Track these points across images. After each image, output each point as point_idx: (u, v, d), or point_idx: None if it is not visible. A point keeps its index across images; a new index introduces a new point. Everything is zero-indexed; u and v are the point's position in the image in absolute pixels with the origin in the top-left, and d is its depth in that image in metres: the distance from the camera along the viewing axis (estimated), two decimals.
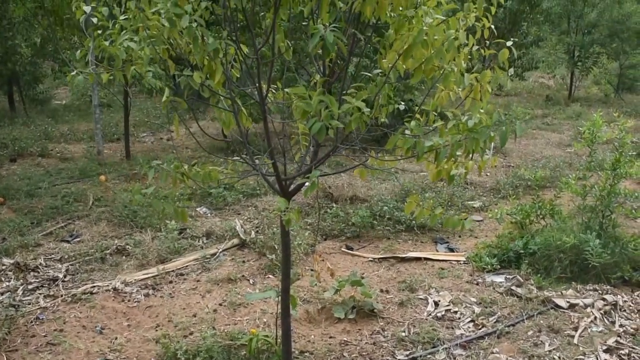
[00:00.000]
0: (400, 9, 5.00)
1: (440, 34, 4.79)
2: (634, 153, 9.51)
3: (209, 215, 11.60)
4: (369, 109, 4.91)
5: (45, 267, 9.19)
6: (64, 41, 17.77)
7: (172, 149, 16.58)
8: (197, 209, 11.74)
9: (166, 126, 19.79)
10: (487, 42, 5.70)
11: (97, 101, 16.10)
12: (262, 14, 6.15)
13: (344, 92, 5.49)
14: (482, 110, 5.22)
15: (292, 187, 6.08)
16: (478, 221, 11.42)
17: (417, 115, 5.59)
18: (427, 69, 4.91)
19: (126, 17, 5.56)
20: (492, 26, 5.37)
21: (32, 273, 8.93)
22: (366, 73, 5.58)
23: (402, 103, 6.15)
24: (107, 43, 5.60)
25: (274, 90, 6.17)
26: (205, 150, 6.44)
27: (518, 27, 21.56)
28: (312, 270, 8.99)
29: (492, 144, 5.18)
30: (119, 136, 18.71)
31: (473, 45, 5.30)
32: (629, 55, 27.79)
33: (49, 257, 9.55)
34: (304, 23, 5.56)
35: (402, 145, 5.18)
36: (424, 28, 4.76)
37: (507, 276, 8.75)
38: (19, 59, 18.66)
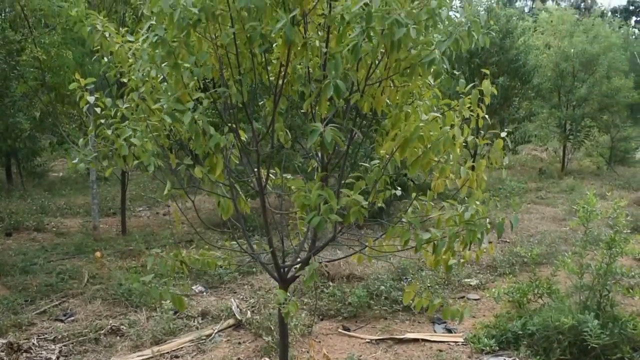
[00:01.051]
0: (397, 103, 5.15)
1: (436, 129, 4.91)
2: (629, 231, 9.55)
3: (204, 293, 11.53)
4: (367, 202, 4.99)
5: (39, 347, 9.07)
6: (64, 116, 18.01)
7: (169, 224, 16.59)
8: (193, 287, 11.67)
9: (162, 201, 19.85)
10: (482, 131, 5.82)
11: (94, 177, 16.20)
12: (262, 102, 6.30)
13: (343, 181, 5.59)
14: (478, 201, 5.30)
15: (290, 274, 6.10)
16: (475, 300, 11.37)
17: (415, 202, 5.67)
18: (424, 163, 5.01)
19: (128, 105, 5.71)
20: (487, 115, 5.52)
21: (24, 354, 8.80)
22: (364, 164, 5.68)
23: (399, 188, 6.25)
24: (109, 132, 5.73)
25: (272, 176, 6.27)
26: (200, 232, 6.47)
27: (510, 102, 22.00)
28: (308, 353, 8.89)
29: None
30: (115, 210, 18.74)
31: (468, 134, 5.42)
32: (620, 129, 28.27)
33: (43, 337, 9.43)
34: (301, 111, 5.70)
35: (400, 236, 5.24)
36: (420, 124, 4.88)
37: (506, 358, 8.66)
38: (19, 134, 18.86)
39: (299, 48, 5.01)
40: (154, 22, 4.95)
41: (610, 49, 27.17)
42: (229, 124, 5.45)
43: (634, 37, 47.03)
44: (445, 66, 4.52)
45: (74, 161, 6.03)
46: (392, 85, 5.01)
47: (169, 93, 5.11)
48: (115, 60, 5.68)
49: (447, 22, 4.60)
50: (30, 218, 16.93)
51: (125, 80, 5.76)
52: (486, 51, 19.99)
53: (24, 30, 17.08)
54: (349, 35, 4.67)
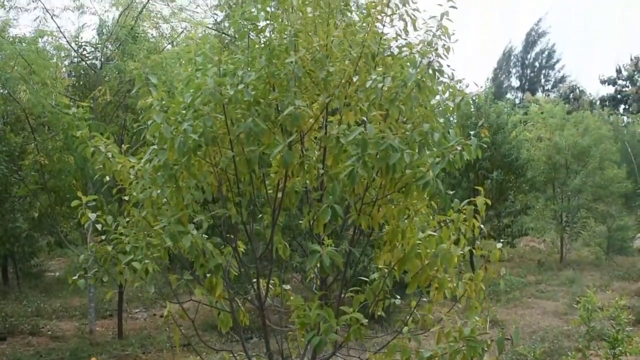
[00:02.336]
0: (393, 219, 5.25)
1: (432, 246, 4.99)
2: (631, 328, 9.48)
3: None
4: (367, 319, 5.01)
5: None
6: (63, 219, 18.09)
7: (166, 327, 16.37)
8: None
9: (160, 301, 19.66)
10: (478, 241, 5.90)
11: (92, 274, 16.07)
12: (260, 215, 6.39)
13: (342, 295, 5.62)
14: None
15: None
16: None
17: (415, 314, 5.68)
18: (422, 280, 5.06)
19: (129, 220, 5.80)
20: (482, 225, 5.61)
21: None
22: (363, 278, 5.72)
23: (398, 297, 6.26)
24: (110, 248, 5.79)
25: (272, 286, 6.29)
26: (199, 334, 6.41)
27: (505, 196, 22.22)
28: None
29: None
30: (112, 312, 18.51)
31: (464, 246, 5.50)
32: (616, 218, 28.39)
33: None
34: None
35: (401, 352, 5.23)
36: (418, 242, 4.97)
37: None
38: (18, 237, 18.89)
39: (296, 167, 5.16)
40: (155, 147, 5.11)
41: (601, 140, 27.67)
42: (229, 243, 5.53)
43: (623, 125, 48.01)
44: (439, 187, 4.64)
45: (74, 277, 6.08)
46: (388, 202, 5.13)
47: (170, 213, 5.21)
48: (117, 178, 5.82)
49: (440, 143, 4.76)
50: (25, 321, 16.70)
51: (126, 198, 5.87)
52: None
53: (25, 133, 17.43)
54: (345, 158, 4.82)
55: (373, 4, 5.45)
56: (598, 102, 56.22)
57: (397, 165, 4.44)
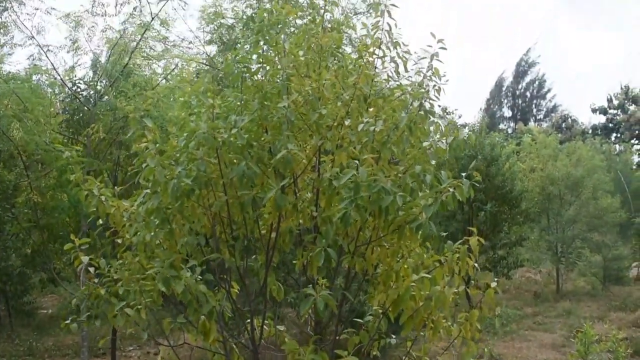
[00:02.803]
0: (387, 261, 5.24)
1: (426, 288, 4.98)
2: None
3: None
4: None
5: None
6: (56, 256, 17.97)
7: None
8: None
9: (154, 338, 19.44)
10: (473, 280, 5.89)
11: (85, 317, 15.92)
12: (254, 256, 6.37)
13: (337, 337, 5.58)
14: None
15: None
16: None
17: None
18: (417, 322, 5.03)
19: (121, 262, 5.77)
20: (477, 264, 5.60)
21: None
22: (357, 319, 5.69)
23: (393, 337, 6.22)
24: (102, 291, 5.75)
25: (266, 327, 6.24)
26: None
27: (500, 227, 22.20)
28: None
29: None
30: (105, 350, 18.28)
31: (459, 285, 5.49)
32: (611, 248, 28.37)
33: None
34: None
35: None
36: (412, 283, 4.95)
37: None
38: (10, 276, 18.76)
39: (289, 209, 5.16)
40: (149, 190, 5.11)
41: (594, 170, 27.79)
42: (222, 286, 5.50)
43: (616, 153, 48.28)
44: (432, 230, 4.64)
45: (66, 321, 6.03)
46: (381, 244, 5.12)
47: (163, 257, 5.19)
48: (110, 221, 5.80)
49: (434, 184, 4.78)
50: None
51: (119, 240, 5.86)
52: (472, 178, 20.38)
53: (18, 169, 17.39)
54: (338, 200, 4.82)
55: (365, 46, 5.52)
56: (590, 131, 56.58)
57: (389, 207, 4.45)
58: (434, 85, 5.54)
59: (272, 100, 5.24)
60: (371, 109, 5.39)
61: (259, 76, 5.56)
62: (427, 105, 5.33)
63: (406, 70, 5.56)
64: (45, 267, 21.25)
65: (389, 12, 5.44)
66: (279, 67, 5.28)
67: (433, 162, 4.91)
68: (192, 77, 19.92)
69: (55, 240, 16.83)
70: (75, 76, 17.60)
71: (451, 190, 4.63)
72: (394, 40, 5.43)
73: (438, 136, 5.19)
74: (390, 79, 5.55)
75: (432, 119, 5.36)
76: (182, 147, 5.04)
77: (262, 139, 5.35)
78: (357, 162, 4.66)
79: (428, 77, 5.47)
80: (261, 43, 5.47)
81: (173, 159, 5.19)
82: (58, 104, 17.89)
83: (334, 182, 4.64)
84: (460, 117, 32.25)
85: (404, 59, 5.51)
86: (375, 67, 5.48)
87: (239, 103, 5.45)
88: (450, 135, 5.32)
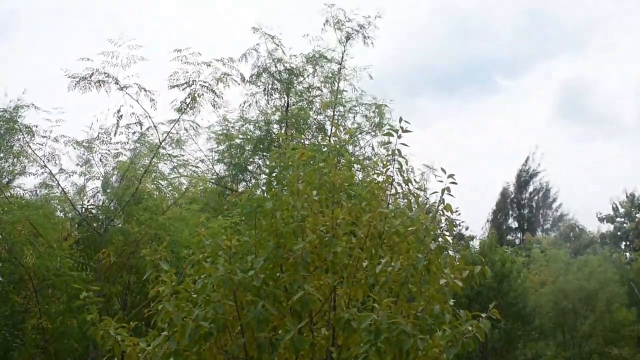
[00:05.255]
0: None
1: None
2: None
3: None
4: None
5: None
6: None
7: None
8: None
9: None
10: None
11: None
12: None
13: None
14: None
15: None
16: None
17: None
18: None
19: None
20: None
21: None
22: None
23: None
24: None
25: None
26: None
27: (514, 345, 21.73)
28: None
29: None
30: None
31: None
32: None
33: None
34: None
35: None
36: None
37: None
38: None
39: (307, 349, 5.12)
40: (165, 332, 5.10)
41: (607, 283, 27.42)
42: None
43: (627, 262, 47.72)
44: None
45: None
46: None
47: None
48: None
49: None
50: None
51: None
52: (484, 295, 20.21)
53: (27, 292, 17.29)
54: (357, 338, 4.80)
55: (377, 184, 5.66)
56: (599, 240, 56.20)
57: (410, 350, 4.43)
58: (446, 219, 5.64)
59: (287, 239, 5.32)
60: (385, 246, 5.46)
61: (273, 215, 5.66)
62: (440, 240, 5.41)
63: (419, 206, 5.68)
64: None
65: (399, 151, 5.62)
66: (293, 206, 5.40)
67: (452, 302, 4.92)
68: (199, 196, 20.21)
69: None
70: (87, 200, 17.92)
71: (471, 329, 4.61)
72: (406, 178, 5.59)
73: (452, 273, 5.21)
74: (403, 215, 5.65)
75: (445, 253, 5.42)
76: (199, 289, 5.08)
77: (278, 276, 5.39)
78: (374, 303, 4.67)
79: (441, 212, 5.58)
80: (274, 184, 5.64)
81: (189, 299, 5.21)
82: (69, 226, 18.09)
83: (353, 324, 4.64)
84: (467, 229, 32.22)
85: (415, 195, 5.64)
86: (388, 204, 5.60)
87: (252, 242, 5.52)
88: (465, 269, 5.36)
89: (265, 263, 5.21)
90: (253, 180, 19.03)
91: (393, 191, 5.66)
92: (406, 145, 5.63)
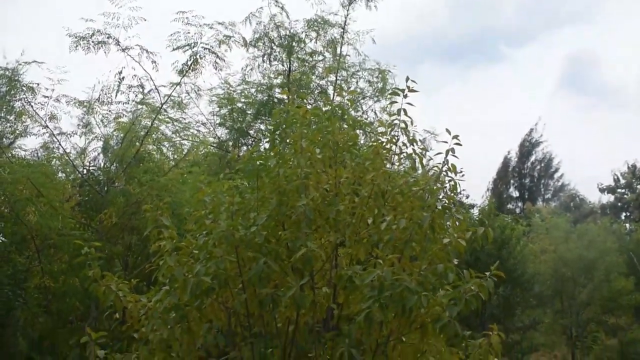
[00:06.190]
0: None
1: None
2: None
3: None
4: None
5: None
6: (64, 342, 17.72)
7: None
8: None
9: None
10: None
11: None
12: (270, 350, 6.27)
13: None
14: None
15: None
16: None
17: None
18: None
19: (136, 356, 5.70)
20: None
21: None
22: None
23: None
24: None
25: None
26: None
27: (512, 311, 21.88)
28: None
29: None
30: None
31: None
32: (627, 332, 27.77)
33: None
34: None
35: None
36: None
37: None
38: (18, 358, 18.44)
39: (307, 306, 5.13)
40: (167, 287, 5.10)
41: (607, 253, 27.49)
42: None
43: (626, 232, 47.75)
44: (457, 329, 4.59)
45: None
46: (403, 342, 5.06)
47: (181, 354, 5.13)
48: (127, 316, 5.77)
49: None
50: None
51: (135, 335, 5.80)
52: (483, 262, 20.27)
53: (29, 253, 17.36)
54: (358, 296, 4.80)
55: (381, 143, 5.61)
56: (599, 211, 56.24)
57: (413, 307, 4.43)
58: (450, 180, 5.60)
59: (290, 197, 5.29)
60: (388, 205, 5.42)
61: (276, 172, 5.62)
62: (444, 201, 5.37)
63: (422, 167, 5.63)
64: (53, 351, 20.93)
65: (405, 110, 5.55)
66: (296, 164, 5.35)
67: (456, 262, 4.91)
68: (201, 159, 20.16)
69: (64, 324, 16.64)
70: (88, 161, 17.90)
71: (474, 289, 4.60)
72: (411, 138, 5.54)
73: (455, 233, 5.19)
74: (407, 175, 5.61)
75: (449, 214, 5.39)
76: (201, 245, 5.06)
77: (280, 234, 5.37)
78: (377, 259, 4.66)
79: (444, 173, 5.54)
80: (277, 142, 5.59)
81: (191, 256, 5.20)
82: (70, 188, 18.09)
83: (355, 280, 4.63)
84: (467, 197, 32.15)
85: (420, 155, 5.59)
86: (392, 164, 5.56)
87: (255, 200, 5.49)
88: (468, 231, 5.33)
89: (267, 221, 5.19)
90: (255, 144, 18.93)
91: (397, 151, 5.59)
92: (412, 104, 5.56)
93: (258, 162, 5.43)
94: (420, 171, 5.67)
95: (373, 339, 4.93)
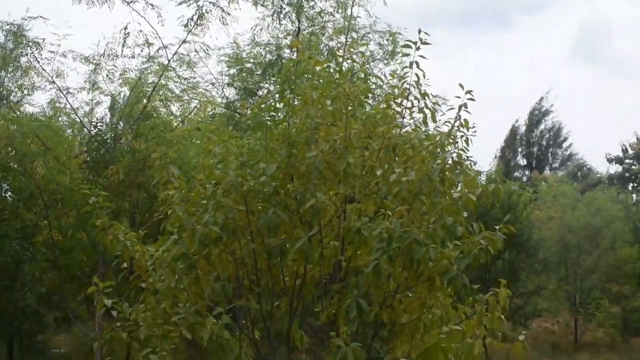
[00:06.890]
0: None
1: (456, 340, 4.89)
2: None
3: None
4: None
5: None
6: (72, 295, 17.93)
7: None
8: None
9: None
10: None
11: (99, 358, 15.77)
12: (277, 304, 6.29)
13: None
14: None
15: None
16: None
17: None
18: None
19: (144, 306, 5.72)
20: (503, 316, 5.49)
21: None
22: None
23: None
24: (124, 335, 5.68)
25: None
26: None
27: (517, 276, 21.95)
28: None
29: None
30: None
31: (485, 337, 5.39)
32: (630, 300, 27.88)
33: None
34: None
35: None
36: (442, 335, 4.87)
37: None
38: (27, 316, 18.69)
39: (315, 258, 5.12)
40: (175, 237, 5.09)
41: (613, 221, 27.44)
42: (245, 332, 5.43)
43: (633, 203, 47.58)
44: (465, 282, 4.59)
45: None
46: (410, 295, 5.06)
47: (188, 303, 5.15)
48: (135, 266, 5.78)
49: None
50: None
51: (143, 285, 5.82)
52: (489, 227, 20.26)
53: (37, 209, 17.46)
54: (365, 249, 4.79)
55: (392, 96, 5.54)
56: (606, 181, 56.05)
57: (421, 259, 4.41)
58: (462, 136, 5.54)
59: (299, 149, 5.25)
60: (399, 159, 5.38)
61: (286, 124, 5.57)
62: (456, 156, 5.32)
63: (434, 121, 5.57)
64: (61, 306, 21.18)
65: (417, 63, 5.47)
66: (306, 115, 5.30)
67: (465, 214, 4.88)
68: (208, 119, 20.11)
69: (71, 279, 16.81)
70: (95, 118, 17.88)
71: (483, 243, 4.58)
72: (423, 92, 5.46)
73: (466, 188, 5.15)
74: (418, 128, 5.55)
75: (460, 169, 5.33)
76: (209, 195, 5.04)
77: (289, 186, 5.34)
78: (386, 211, 4.63)
79: (456, 128, 5.47)
80: (287, 93, 5.52)
81: (199, 206, 5.18)
82: (77, 145, 18.10)
83: (364, 232, 4.61)
84: (475, 164, 32.01)
85: (431, 109, 5.52)
86: (403, 117, 5.49)
87: (264, 150, 5.45)
88: (478, 187, 5.30)
89: (276, 172, 5.15)
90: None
91: (409, 105, 5.52)
92: (424, 57, 5.47)
93: (267, 113, 5.38)
94: (431, 125, 5.61)
95: (380, 292, 4.93)
